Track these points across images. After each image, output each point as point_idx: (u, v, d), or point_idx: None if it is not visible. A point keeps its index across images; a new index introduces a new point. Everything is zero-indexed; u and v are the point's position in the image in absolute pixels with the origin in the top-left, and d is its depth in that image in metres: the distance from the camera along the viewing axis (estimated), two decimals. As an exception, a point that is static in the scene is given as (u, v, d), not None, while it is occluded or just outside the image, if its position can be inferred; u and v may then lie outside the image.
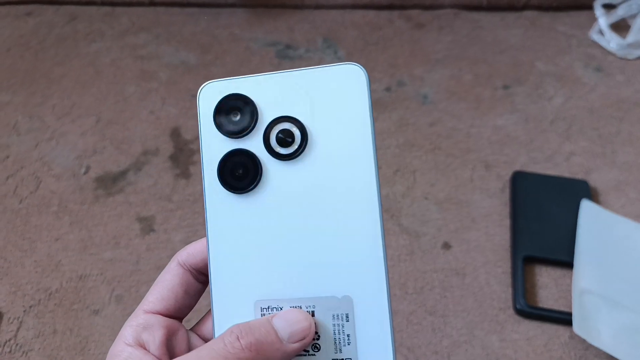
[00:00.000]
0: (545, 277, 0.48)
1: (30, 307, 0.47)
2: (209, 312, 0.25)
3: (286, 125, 0.24)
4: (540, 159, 0.58)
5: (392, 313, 0.23)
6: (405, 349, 0.44)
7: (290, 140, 0.24)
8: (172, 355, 0.24)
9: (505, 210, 0.53)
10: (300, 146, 0.24)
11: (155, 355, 0.24)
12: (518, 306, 0.45)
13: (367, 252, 0.23)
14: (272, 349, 0.22)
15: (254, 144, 0.24)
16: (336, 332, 0.24)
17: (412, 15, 0.79)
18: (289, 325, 0.23)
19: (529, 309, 0.45)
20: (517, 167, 0.57)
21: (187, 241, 0.52)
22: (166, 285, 0.26)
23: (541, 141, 0.60)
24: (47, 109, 0.65)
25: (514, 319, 0.46)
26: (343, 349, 0.23)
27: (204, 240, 0.26)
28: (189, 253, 0.26)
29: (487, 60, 0.71)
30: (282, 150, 0.24)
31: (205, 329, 0.27)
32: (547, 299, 0.47)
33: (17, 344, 0.44)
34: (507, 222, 0.52)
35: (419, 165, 0.58)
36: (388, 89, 0.67)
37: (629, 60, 0.70)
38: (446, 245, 0.51)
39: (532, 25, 0.77)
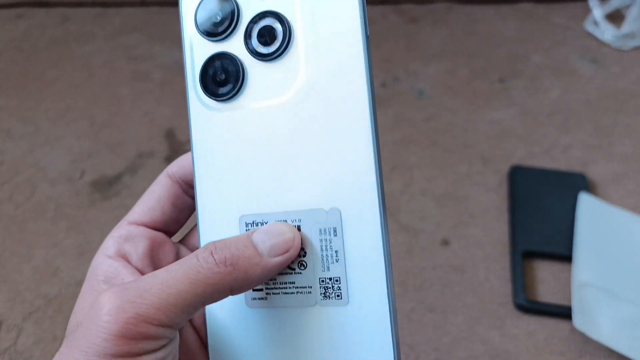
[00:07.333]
0: (545, 272, 0.48)
1: (30, 313, 0.47)
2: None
3: (268, 22, 0.22)
4: (538, 152, 0.58)
5: (388, 232, 0.20)
6: (406, 347, 0.44)
7: (272, 37, 0.22)
8: (158, 268, 0.23)
9: (504, 205, 0.53)
10: (282, 43, 0.21)
11: (137, 267, 0.23)
12: (518, 301, 0.45)
13: (356, 160, 0.21)
14: (251, 264, 0.20)
15: (236, 45, 0.23)
16: (323, 248, 0.21)
17: (405, 10, 0.79)
18: (269, 238, 0.21)
19: (528, 304, 0.45)
20: (515, 161, 0.57)
21: (185, 243, 0.51)
22: (153, 197, 0.25)
23: (538, 135, 0.60)
24: (40, 113, 0.65)
25: (514, 314, 0.45)
26: (331, 266, 0.21)
27: None
28: (179, 165, 0.25)
29: (483, 53, 0.71)
30: (264, 50, 0.22)
31: (195, 240, 0.26)
32: (546, 293, 0.47)
33: (17, 352, 0.44)
34: (505, 216, 0.52)
35: (416, 161, 0.58)
36: (383, 85, 0.67)
37: (624, 51, 0.70)
38: (445, 242, 0.51)
39: (527, 18, 0.76)
